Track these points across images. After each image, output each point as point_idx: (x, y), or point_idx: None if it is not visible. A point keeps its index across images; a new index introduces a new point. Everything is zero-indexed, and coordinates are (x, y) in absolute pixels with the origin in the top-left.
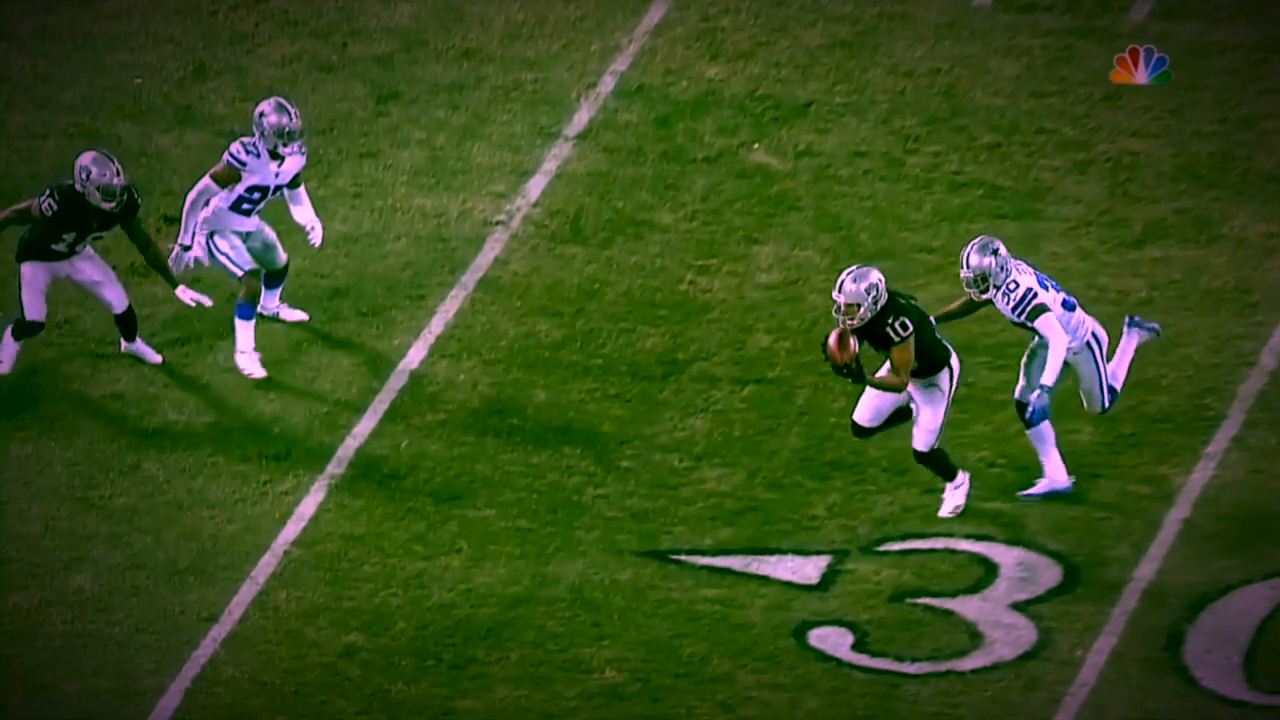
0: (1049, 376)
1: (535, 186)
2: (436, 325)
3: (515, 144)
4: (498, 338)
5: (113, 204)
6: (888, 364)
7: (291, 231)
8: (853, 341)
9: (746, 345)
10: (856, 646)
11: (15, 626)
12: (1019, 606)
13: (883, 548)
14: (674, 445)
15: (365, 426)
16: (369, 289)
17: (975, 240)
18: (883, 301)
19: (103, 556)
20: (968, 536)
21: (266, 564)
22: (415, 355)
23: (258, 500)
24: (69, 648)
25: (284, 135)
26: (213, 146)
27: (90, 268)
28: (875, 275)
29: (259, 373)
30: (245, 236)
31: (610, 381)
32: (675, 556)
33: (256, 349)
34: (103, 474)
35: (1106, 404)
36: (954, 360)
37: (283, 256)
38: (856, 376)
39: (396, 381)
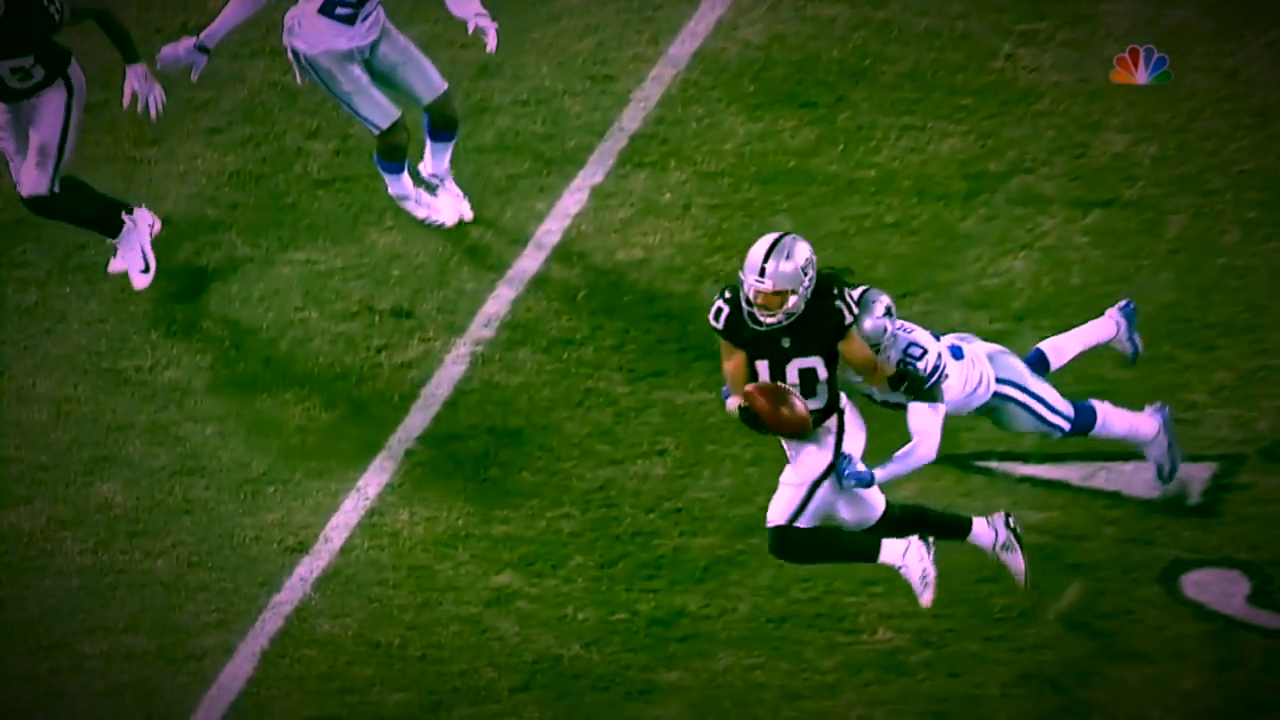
0: (888, 471)
1: None
2: (629, 119)
3: None
4: (720, 138)
5: None
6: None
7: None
8: (797, 401)
9: (1091, 150)
10: (1255, 598)
11: (14, 558)
12: None
13: None
14: (982, 298)
15: (525, 267)
16: (530, 67)
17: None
18: (814, 280)
19: (140, 457)
20: None
21: (380, 469)
22: (598, 163)
23: (368, 376)
24: (91, 589)
25: None
26: None
27: (46, 113)
28: (807, 246)
29: (438, 217)
30: (348, 59)
31: (886, 204)
32: (982, 463)
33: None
34: (140, 336)
35: (1065, 428)
36: (848, 409)
37: (438, 83)
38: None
39: (571, 202)
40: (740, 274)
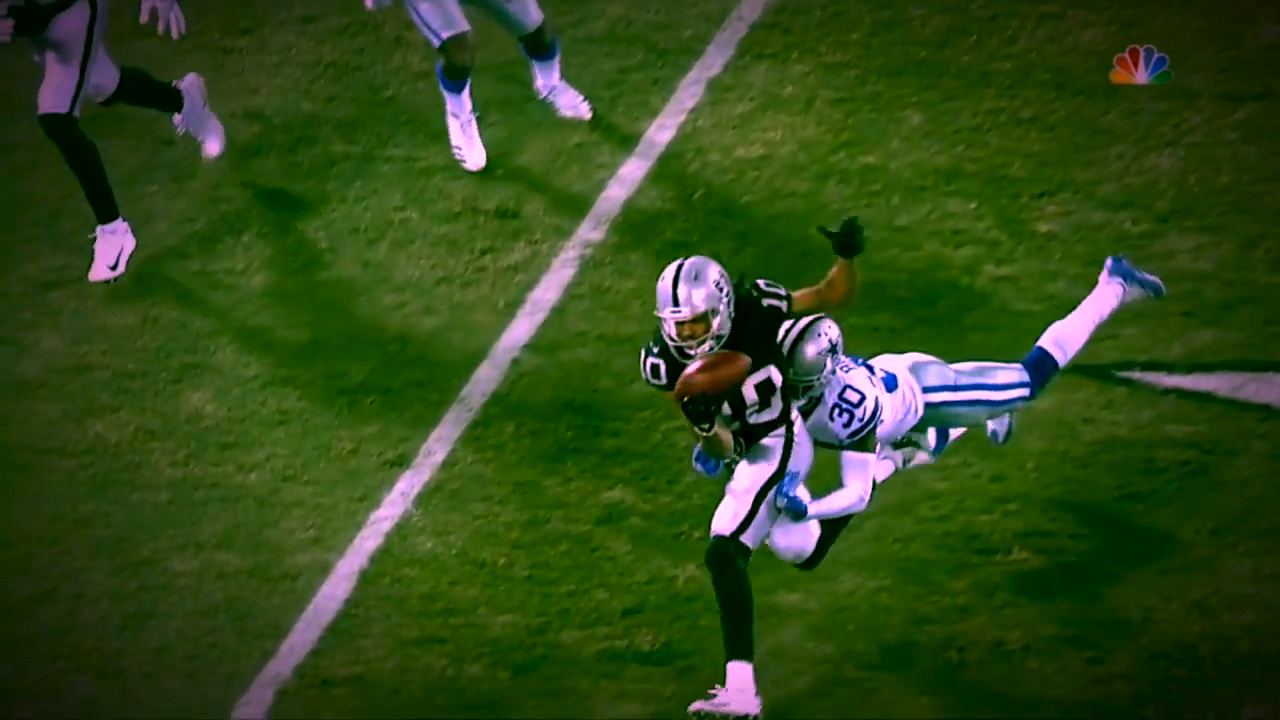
0: (819, 507)
1: None
2: (749, 8)
3: None
4: (845, 27)
5: None
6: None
7: None
8: (721, 355)
9: (1242, 41)
10: None
11: (100, 470)
12: None
13: None
14: (1124, 198)
15: (637, 165)
16: None
17: (794, 329)
18: (732, 292)
19: (231, 365)
20: None
21: (485, 379)
22: (716, 55)
23: (471, 280)
24: (181, 503)
25: None
26: None
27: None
28: (714, 264)
29: (464, 155)
30: None
31: (1023, 97)
32: (1125, 374)
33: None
34: (231, 237)
35: (1026, 395)
36: (796, 420)
37: (535, 16)
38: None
39: (687, 96)
40: (656, 314)
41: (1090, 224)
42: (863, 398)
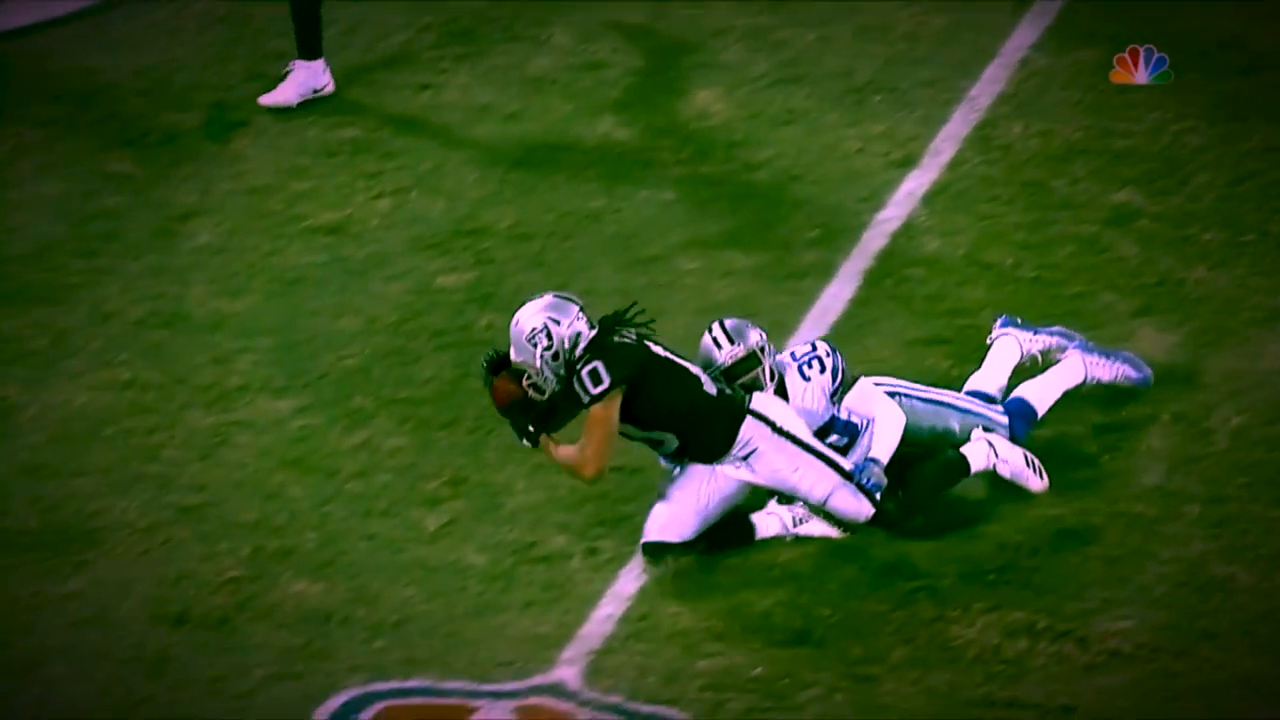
0: (884, 449)
1: None
2: None
3: None
4: None
5: None
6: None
7: None
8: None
9: None
10: None
11: (607, 167)
12: None
13: None
14: None
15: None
16: None
17: (716, 326)
18: (572, 348)
19: (738, 63)
20: None
21: (993, 79)
22: None
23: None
24: (687, 202)
25: None
26: None
27: None
28: (550, 315)
29: None
30: None
31: None
32: None
33: None
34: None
35: (1001, 419)
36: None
37: None
38: (533, 432)
39: None
40: None
41: None
42: (811, 352)
